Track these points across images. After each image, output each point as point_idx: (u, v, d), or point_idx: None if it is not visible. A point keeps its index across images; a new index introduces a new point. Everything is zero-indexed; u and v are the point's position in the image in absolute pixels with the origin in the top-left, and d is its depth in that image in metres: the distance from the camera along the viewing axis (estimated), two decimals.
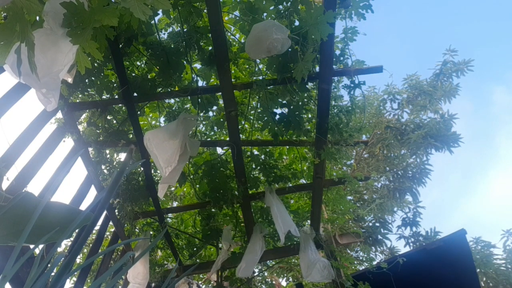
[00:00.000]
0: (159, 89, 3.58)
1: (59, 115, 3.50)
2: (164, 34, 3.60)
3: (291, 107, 3.44)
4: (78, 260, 4.96)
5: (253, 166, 4.30)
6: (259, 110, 3.74)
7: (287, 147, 4.55)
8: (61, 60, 1.64)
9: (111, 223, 4.33)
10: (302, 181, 4.62)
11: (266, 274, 6.29)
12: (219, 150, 4.59)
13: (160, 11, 3.22)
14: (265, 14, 3.03)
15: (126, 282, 4.61)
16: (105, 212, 4.08)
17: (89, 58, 1.98)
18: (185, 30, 3.36)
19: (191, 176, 4.34)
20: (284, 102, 3.47)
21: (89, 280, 4.41)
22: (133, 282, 3.98)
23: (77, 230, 3.20)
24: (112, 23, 1.53)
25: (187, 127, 3.13)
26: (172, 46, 3.34)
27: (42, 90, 1.66)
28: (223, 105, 3.52)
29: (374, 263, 4.30)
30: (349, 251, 5.13)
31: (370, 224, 4.52)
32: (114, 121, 3.88)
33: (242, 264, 3.90)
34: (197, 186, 4.45)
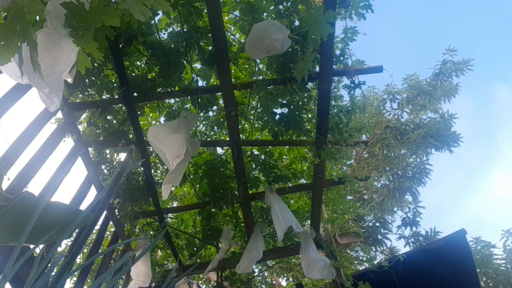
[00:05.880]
0: (159, 89, 3.58)
1: (59, 115, 3.50)
2: (164, 34, 3.60)
3: (291, 107, 3.44)
4: (78, 260, 4.96)
5: (253, 166, 4.30)
6: (259, 110, 3.74)
7: (287, 147, 4.55)
8: (64, 60, 1.63)
9: (111, 223, 4.34)
10: (302, 181, 4.62)
11: (266, 274, 6.29)
12: (219, 150, 4.59)
13: (160, 11, 3.22)
14: (265, 14, 3.03)
15: (126, 282, 4.62)
16: (105, 212, 4.08)
17: (89, 58, 1.98)
18: (185, 30, 3.36)
19: (191, 176, 4.34)
20: (284, 102, 3.47)
21: (89, 280, 4.41)
22: (136, 280, 4.01)
23: (77, 230, 3.20)
24: (114, 24, 1.53)
25: (189, 125, 3.14)
26: (172, 46, 3.34)
27: (45, 90, 1.65)
28: (223, 105, 3.52)
29: (375, 262, 4.30)
30: (349, 251, 5.13)
31: (370, 224, 4.52)
32: (114, 121, 3.88)
33: (243, 262, 3.91)
34: (197, 186, 4.45)
